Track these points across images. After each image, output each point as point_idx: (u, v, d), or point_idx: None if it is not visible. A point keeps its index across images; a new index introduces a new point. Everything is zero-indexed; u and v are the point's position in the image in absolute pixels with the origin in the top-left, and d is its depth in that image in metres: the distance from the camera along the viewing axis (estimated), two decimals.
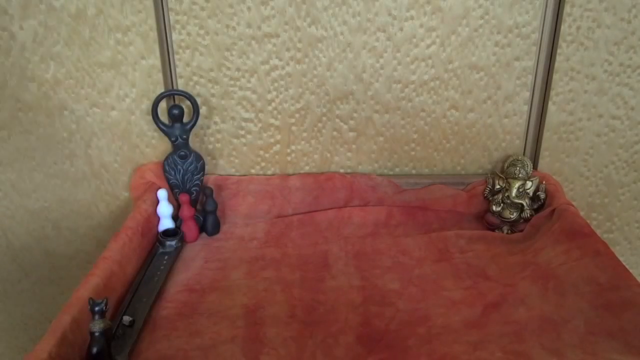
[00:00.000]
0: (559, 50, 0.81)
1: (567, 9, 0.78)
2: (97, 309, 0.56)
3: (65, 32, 0.78)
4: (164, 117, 0.82)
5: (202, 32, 0.80)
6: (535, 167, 0.88)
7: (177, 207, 0.82)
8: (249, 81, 0.83)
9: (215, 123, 0.85)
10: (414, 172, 0.90)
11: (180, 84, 0.83)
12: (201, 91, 0.83)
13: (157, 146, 0.86)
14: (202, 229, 0.83)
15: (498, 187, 0.84)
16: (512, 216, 0.82)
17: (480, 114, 0.85)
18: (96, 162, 0.86)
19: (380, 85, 0.84)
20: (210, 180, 0.86)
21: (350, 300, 0.68)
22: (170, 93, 0.81)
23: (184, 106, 0.81)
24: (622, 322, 0.60)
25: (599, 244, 0.70)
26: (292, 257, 0.77)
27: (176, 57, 0.81)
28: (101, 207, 0.89)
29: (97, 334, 0.55)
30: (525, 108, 0.85)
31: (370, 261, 0.76)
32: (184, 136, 0.81)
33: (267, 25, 0.80)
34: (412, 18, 0.79)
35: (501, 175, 0.84)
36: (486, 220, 0.85)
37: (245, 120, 0.85)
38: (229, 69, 0.82)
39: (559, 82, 0.83)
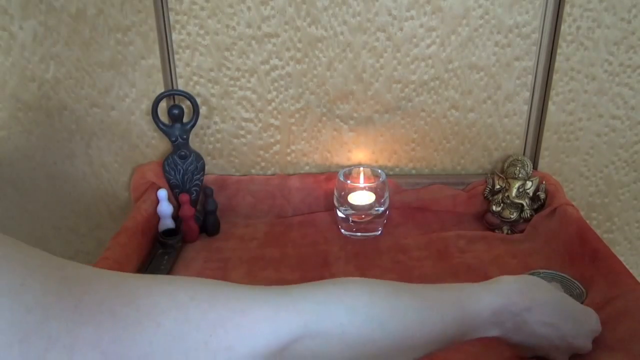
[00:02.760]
0: (559, 50, 0.81)
1: (567, 9, 0.78)
2: None
3: (65, 32, 0.78)
4: (164, 117, 0.82)
5: (202, 32, 0.80)
6: (535, 167, 0.88)
7: (177, 207, 0.82)
8: (249, 81, 0.83)
9: (215, 123, 0.85)
10: (414, 172, 0.90)
11: (180, 84, 0.83)
12: (201, 91, 0.83)
13: (157, 146, 0.86)
14: (202, 229, 0.83)
15: (498, 187, 0.84)
16: (512, 216, 0.82)
17: (480, 114, 0.85)
18: (96, 162, 0.86)
19: (380, 85, 0.83)
20: (210, 180, 0.86)
21: None
22: (170, 93, 0.81)
23: (184, 106, 0.81)
24: (621, 328, 0.59)
25: (599, 244, 0.70)
26: (292, 257, 0.77)
27: (176, 57, 0.81)
28: (101, 207, 0.89)
29: None
30: (525, 108, 0.85)
31: (370, 261, 0.76)
32: (184, 136, 0.81)
33: (267, 25, 0.80)
34: (412, 18, 0.79)
35: (501, 175, 0.84)
36: (486, 220, 0.85)
37: (245, 120, 0.85)
38: (229, 69, 0.82)
39: (559, 82, 0.83)
